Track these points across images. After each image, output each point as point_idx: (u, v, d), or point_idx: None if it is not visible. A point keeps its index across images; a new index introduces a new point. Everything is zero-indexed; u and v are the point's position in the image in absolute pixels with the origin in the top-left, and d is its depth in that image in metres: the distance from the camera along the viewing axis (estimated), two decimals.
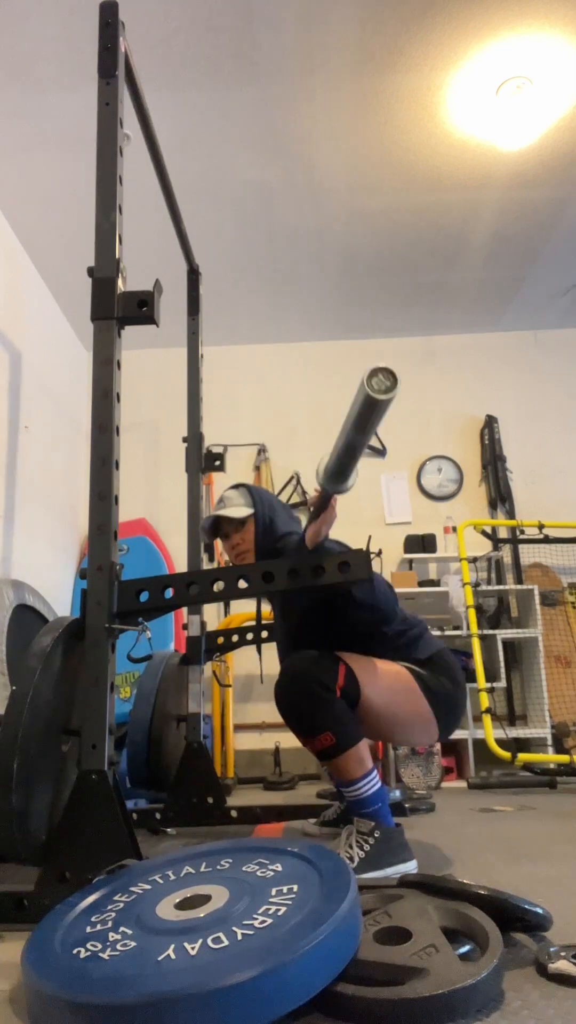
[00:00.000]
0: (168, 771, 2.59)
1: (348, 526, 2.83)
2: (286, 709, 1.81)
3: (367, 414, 1.20)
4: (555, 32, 2.70)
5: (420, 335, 4.94)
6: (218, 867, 1.20)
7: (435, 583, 4.37)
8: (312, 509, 1.69)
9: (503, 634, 4.08)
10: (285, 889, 1.04)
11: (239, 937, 0.93)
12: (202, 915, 1.01)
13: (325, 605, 1.92)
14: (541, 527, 4.13)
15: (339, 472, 1.46)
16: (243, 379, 4.81)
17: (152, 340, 4.49)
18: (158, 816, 2.52)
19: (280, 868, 1.13)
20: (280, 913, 0.97)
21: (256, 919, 0.96)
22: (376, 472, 4.74)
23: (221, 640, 2.82)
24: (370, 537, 1.83)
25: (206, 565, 3.46)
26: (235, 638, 2.82)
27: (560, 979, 1.00)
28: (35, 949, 1.01)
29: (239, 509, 2.16)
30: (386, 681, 1.85)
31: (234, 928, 0.95)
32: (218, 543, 3.30)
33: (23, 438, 3.72)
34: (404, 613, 2.01)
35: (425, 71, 2.86)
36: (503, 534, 4.58)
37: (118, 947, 0.97)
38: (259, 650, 2.62)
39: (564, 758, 3.46)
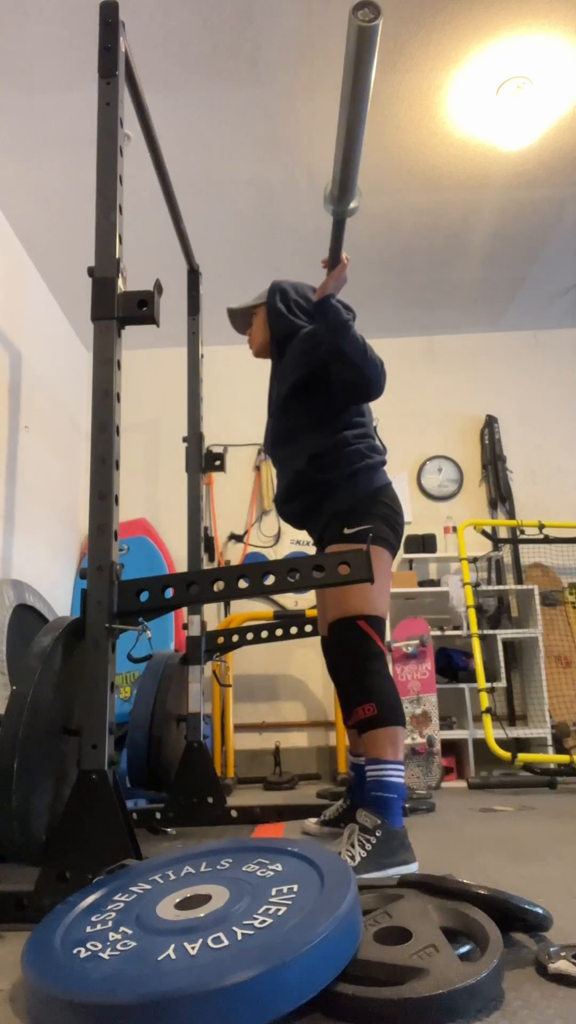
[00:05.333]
0: (168, 771, 2.59)
1: None
2: (336, 675, 1.99)
3: (362, 56, 1.26)
4: (555, 32, 2.70)
5: (420, 335, 4.94)
6: (218, 867, 1.20)
7: (435, 583, 4.37)
8: (325, 268, 1.95)
9: (503, 634, 4.08)
10: (285, 889, 1.04)
11: (239, 937, 0.93)
12: (202, 915, 1.01)
13: (313, 376, 2.05)
14: (541, 527, 4.12)
15: (344, 179, 1.52)
16: (243, 379, 4.80)
17: (152, 340, 4.49)
18: (158, 816, 2.52)
19: (280, 868, 1.13)
20: (280, 913, 0.97)
21: (256, 919, 0.96)
22: None
23: (221, 640, 2.82)
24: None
25: (206, 565, 3.46)
26: (235, 638, 2.82)
27: (560, 979, 1.00)
28: (35, 949, 1.01)
29: (245, 302, 2.39)
30: (377, 585, 1.88)
31: (234, 928, 0.95)
32: None
33: (23, 438, 3.72)
34: (377, 437, 2.12)
35: (425, 71, 2.86)
36: (503, 534, 4.58)
37: (118, 947, 0.97)
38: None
39: (564, 758, 3.46)
